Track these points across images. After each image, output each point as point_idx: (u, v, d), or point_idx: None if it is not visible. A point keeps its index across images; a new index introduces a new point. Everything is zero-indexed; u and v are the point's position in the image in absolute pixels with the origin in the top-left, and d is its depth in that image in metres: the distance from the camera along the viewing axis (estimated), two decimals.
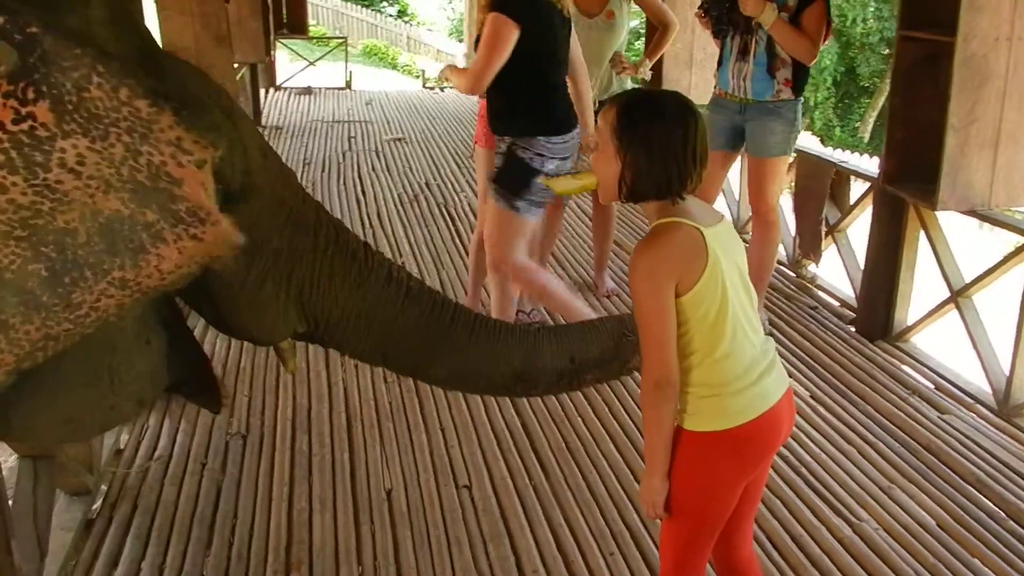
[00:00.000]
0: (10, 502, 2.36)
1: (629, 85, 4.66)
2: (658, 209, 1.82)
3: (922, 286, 4.36)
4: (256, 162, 1.56)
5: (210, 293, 1.58)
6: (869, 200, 4.51)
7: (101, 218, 1.23)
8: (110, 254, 1.25)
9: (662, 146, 1.76)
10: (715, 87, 4.28)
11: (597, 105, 4.49)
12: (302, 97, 11.83)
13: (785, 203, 5.48)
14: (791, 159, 4.59)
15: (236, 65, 7.71)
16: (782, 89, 4.02)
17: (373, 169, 7.68)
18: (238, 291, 1.59)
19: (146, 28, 1.50)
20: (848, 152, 15.86)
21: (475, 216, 5.01)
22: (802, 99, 4.14)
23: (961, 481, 3.15)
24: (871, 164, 13.08)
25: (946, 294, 4.04)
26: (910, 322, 4.27)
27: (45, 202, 1.18)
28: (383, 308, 1.74)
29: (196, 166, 1.30)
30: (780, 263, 5.38)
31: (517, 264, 3.66)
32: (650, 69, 4.76)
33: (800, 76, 4.02)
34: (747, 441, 1.84)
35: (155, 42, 1.48)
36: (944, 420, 3.59)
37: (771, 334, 3.97)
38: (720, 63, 4.20)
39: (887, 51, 18.70)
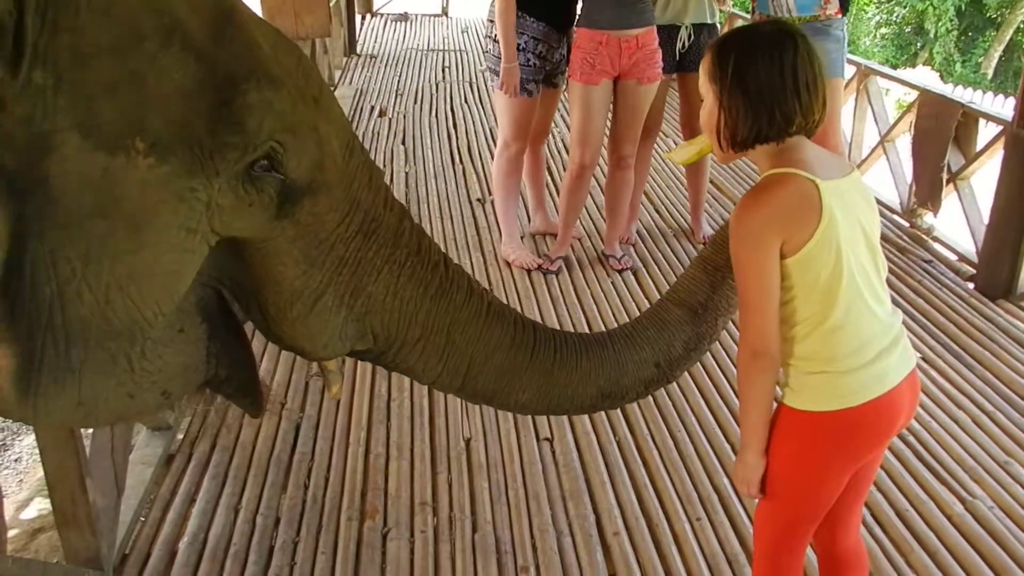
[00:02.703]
0: (88, 439, 2.35)
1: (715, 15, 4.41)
2: (769, 158, 1.61)
3: None
4: (333, 158, 1.40)
5: (260, 297, 1.43)
6: (999, 146, 4.13)
7: None
8: None
9: (756, 83, 1.55)
10: (754, 14, 4.08)
11: (691, 30, 4.20)
12: (398, 24, 11.69)
13: (903, 145, 5.11)
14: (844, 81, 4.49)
15: None
16: (828, 1, 3.82)
17: (466, 101, 7.51)
18: (291, 299, 1.42)
19: None
20: (970, 90, 14.89)
21: (567, 154, 4.82)
22: (847, 19, 4.02)
23: None
24: (999, 104, 12.26)
25: None
26: None
27: None
28: (466, 326, 1.56)
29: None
30: (893, 211, 5.03)
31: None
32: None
33: None
34: (857, 427, 1.64)
35: (238, 8, 1.32)
36: None
37: None
38: None
39: None
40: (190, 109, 1.20)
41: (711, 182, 5.20)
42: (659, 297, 1.79)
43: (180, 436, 2.92)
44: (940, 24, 18.20)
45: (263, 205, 1.31)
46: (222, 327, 1.45)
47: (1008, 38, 18.26)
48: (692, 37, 4.22)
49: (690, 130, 4.46)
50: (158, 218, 1.21)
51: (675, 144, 6.01)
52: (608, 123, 4.09)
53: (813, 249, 1.55)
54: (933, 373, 3.39)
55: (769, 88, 1.54)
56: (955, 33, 18.60)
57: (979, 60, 18.70)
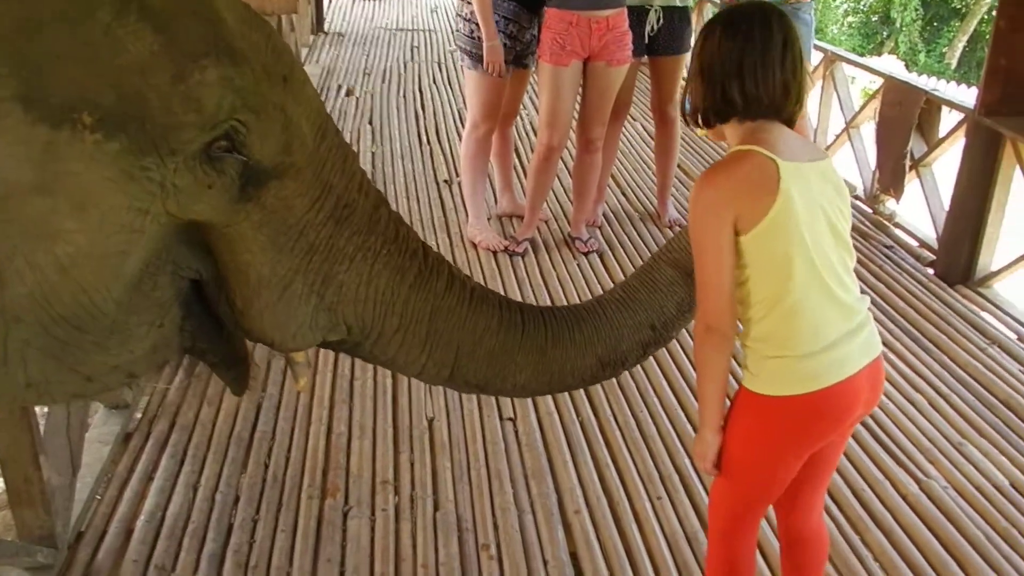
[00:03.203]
0: (43, 417, 2.31)
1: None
2: (737, 137, 1.62)
3: (1011, 229, 4.06)
4: (302, 140, 1.33)
5: (226, 286, 1.37)
6: (961, 133, 4.18)
7: None
8: None
9: (708, 62, 1.59)
10: None
11: (661, 13, 4.14)
12: (367, 2, 11.55)
13: (867, 132, 5.16)
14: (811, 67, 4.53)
15: None
16: None
17: (434, 82, 7.45)
18: (257, 287, 1.36)
19: None
20: (935, 79, 15.06)
21: (535, 135, 4.80)
22: (815, 4, 3.99)
23: None
24: (961, 93, 12.42)
25: None
26: (995, 267, 3.99)
27: None
28: (448, 314, 1.51)
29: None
30: (856, 197, 5.07)
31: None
32: None
33: None
34: (813, 413, 1.65)
35: None
36: None
37: None
38: None
39: None
40: (144, 84, 1.15)
41: (678, 166, 5.20)
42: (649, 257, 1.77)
43: (138, 415, 2.89)
44: (906, 13, 18.37)
45: (224, 187, 1.26)
46: (199, 308, 1.40)
47: (972, 29, 18.47)
48: (661, 20, 4.17)
49: (660, 114, 4.44)
50: (105, 197, 1.16)
51: (643, 128, 6.02)
52: (577, 105, 4.08)
53: (768, 227, 1.55)
54: (891, 356, 3.43)
55: (727, 68, 1.57)
56: (920, 23, 18.78)
57: (944, 50, 18.91)
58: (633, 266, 4.06)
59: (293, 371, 1.63)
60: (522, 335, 1.57)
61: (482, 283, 3.77)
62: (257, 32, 1.29)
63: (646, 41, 4.17)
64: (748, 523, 1.82)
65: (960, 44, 18.62)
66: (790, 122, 1.63)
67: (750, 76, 1.56)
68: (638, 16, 4.08)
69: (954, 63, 18.54)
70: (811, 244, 1.58)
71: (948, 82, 14.88)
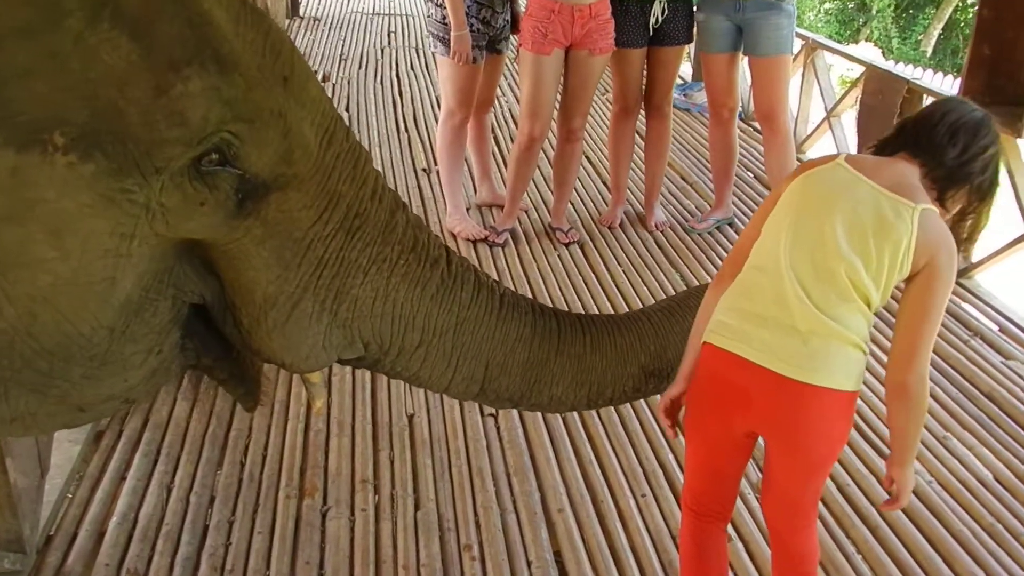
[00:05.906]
0: None
1: None
2: None
3: (993, 220, 4.04)
4: (305, 148, 1.23)
5: (232, 306, 1.29)
6: None
7: None
8: None
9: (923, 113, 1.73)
10: None
11: (665, 5, 3.98)
12: None
13: (848, 120, 5.14)
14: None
15: None
16: None
17: (412, 68, 7.37)
18: (264, 307, 1.28)
19: None
20: (911, 67, 15.13)
21: (515, 125, 4.73)
22: None
23: None
24: (937, 82, 12.48)
25: (1020, 231, 3.73)
26: (976, 259, 3.98)
27: None
28: (475, 325, 1.42)
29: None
30: None
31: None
32: None
33: None
34: (704, 362, 1.65)
35: None
36: (1008, 366, 3.34)
37: None
38: None
39: None
40: (122, 98, 1.06)
41: (669, 165, 5.09)
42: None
43: None
44: (880, 0, 18.43)
45: (218, 203, 1.17)
46: (201, 325, 1.33)
47: (947, 16, 18.56)
48: (667, 11, 3.93)
49: (654, 109, 4.19)
50: (83, 224, 1.07)
51: None
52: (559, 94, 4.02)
53: (783, 196, 1.66)
54: (874, 348, 3.41)
55: (919, 119, 1.70)
56: (894, 9, 18.85)
57: (919, 38, 18.99)
58: (615, 257, 4.01)
59: (309, 392, 1.56)
60: (558, 342, 1.50)
61: None
62: (252, 29, 1.18)
63: (650, 33, 3.96)
64: (707, 503, 1.82)
65: (935, 32, 18.71)
66: (930, 179, 1.66)
67: (915, 139, 1.66)
68: (640, 7, 3.91)
69: (929, 51, 18.63)
70: (796, 226, 1.60)
71: (924, 70, 14.94)
